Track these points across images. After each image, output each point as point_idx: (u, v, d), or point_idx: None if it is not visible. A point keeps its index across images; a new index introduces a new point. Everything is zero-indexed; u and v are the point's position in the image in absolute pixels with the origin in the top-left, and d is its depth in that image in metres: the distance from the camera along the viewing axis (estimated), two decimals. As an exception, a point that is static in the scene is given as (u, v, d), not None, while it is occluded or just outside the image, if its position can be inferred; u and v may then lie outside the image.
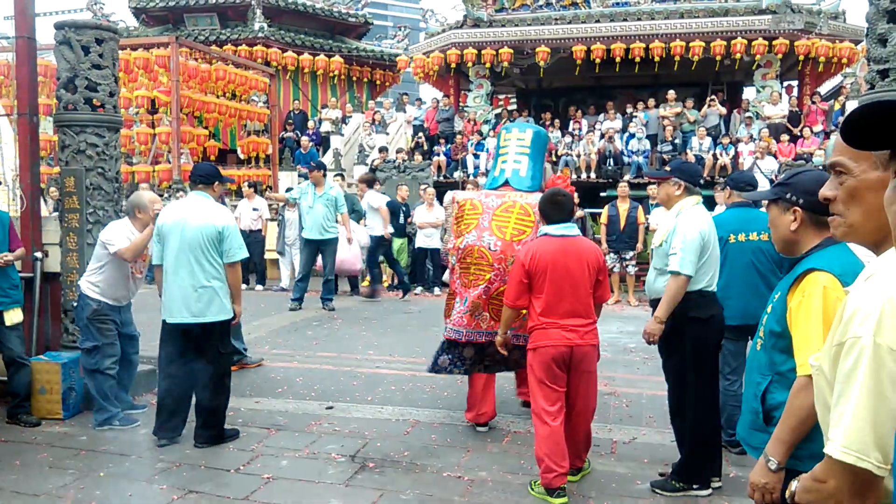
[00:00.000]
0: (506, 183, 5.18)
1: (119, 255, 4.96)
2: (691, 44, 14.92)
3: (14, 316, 5.05)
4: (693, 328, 3.89)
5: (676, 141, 14.80)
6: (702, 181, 4.15)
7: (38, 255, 5.53)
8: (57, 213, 5.87)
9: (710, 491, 3.95)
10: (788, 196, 2.23)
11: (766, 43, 14.62)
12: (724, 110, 15.34)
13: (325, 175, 9.65)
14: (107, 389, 5.02)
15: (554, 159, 15.40)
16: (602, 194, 13.92)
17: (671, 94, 15.45)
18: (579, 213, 10.30)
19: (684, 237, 3.85)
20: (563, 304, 3.93)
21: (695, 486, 3.94)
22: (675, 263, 3.85)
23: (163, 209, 5.04)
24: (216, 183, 4.91)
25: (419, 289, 11.64)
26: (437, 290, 11.50)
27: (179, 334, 4.70)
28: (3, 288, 5.00)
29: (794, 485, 1.62)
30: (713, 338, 3.96)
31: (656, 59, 15.20)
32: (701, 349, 3.92)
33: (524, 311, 4.23)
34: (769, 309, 2.29)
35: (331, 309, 9.44)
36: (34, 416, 5.07)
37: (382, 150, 15.28)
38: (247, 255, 5.00)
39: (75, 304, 5.14)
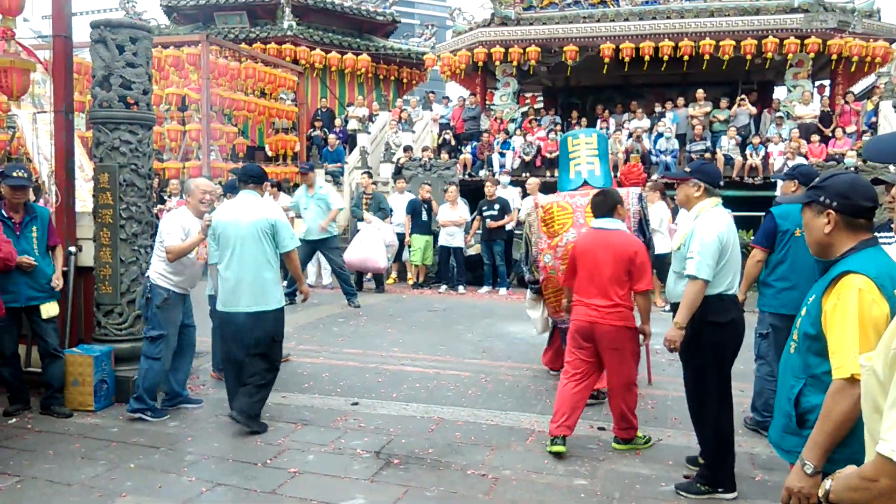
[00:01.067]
0: (584, 183, 5.94)
1: (166, 250, 5.09)
2: (721, 42, 14.74)
3: (50, 309, 5.17)
4: (712, 333, 3.88)
5: (706, 141, 14.66)
6: (722, 182, 4.08)
7: (73, 249, 5.63)
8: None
9: (735, 494, 3.92)
10: (822, 199, 2.21)
11: (798, 42, 14.40)
12: (754, 110, 15.14)
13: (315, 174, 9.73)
14: (156, 381, 5.17)
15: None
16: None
17: (700, 93, 15.29)
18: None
19: (702, 240, 3.83)
20: (591, 287, 4.53)
21: (720, 490, 3.92)
22: (692, 268, 3.84)
23: (217, 209, 5.30)
24: (265, 183, 5.27)
25: (444, 287, 11.65)
26: (461, 288, 11.52)
27: (234, 323, 4.92)
28: (40, 282, 5.12)
29: (827, 483, 1.62)
30: (732, 342, 3.94)
31: (685, 57, 15.05)
32: (720, 354, 3.92)
33: None
34: (803, 312, 2.28)
35: (356, 306, 9.50)
36: (67, 408, 5.17)
37: (407, 148, 15.30)
38: (298, 243, 5.25)
39: (146, 294, 5.17)
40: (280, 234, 4.98)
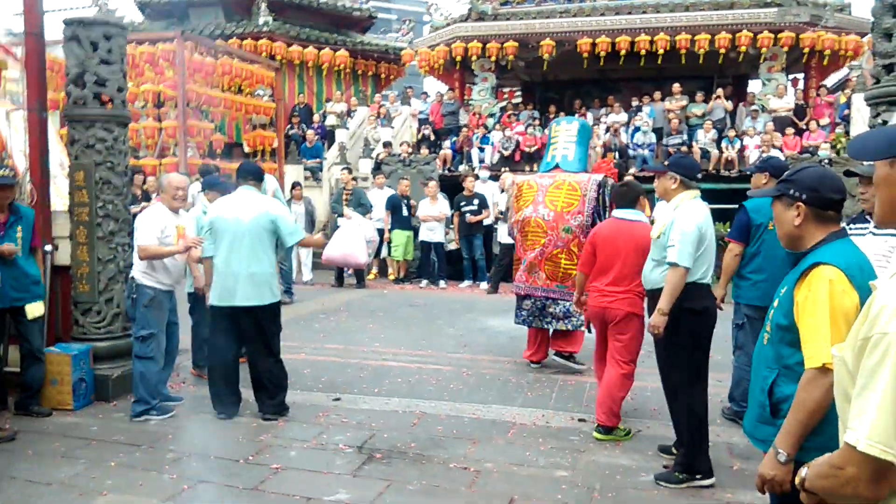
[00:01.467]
0: (556, 167, 6.47)
1: (139, 249, 5.06)
2: (696, 37, 14.88)
3: (35, 309, 5.09)
4: (689, 319, 4.00)
5: (683, 135, 14.79)
6: (700, 175, 4.28)
7: (49, 248, 5.56)
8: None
9: (712, 480, 4.00)
10: (792, 192, 2.26)
11: (772, 36, 14.57)
12: (729, 105, 15.28)
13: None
14: (154, 380, 5.14)
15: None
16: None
17: (676, 87, 15.41)
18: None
19: (683, 230, 3.98)
20: (607, 274, 4.74)
21: (698, 476, 3.99)
22: (673, 255, 3.98)
23: (214, 204, 5.37)
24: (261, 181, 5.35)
25: (424, 282, 11.67)
26: (442, 283, 11.54)
27: (230, 318, 4.99)
28: (25, 283, 5.03)
29: (803, 471, 1.67)
30: (707, 328, 4.06)
31: (661, 52, 15.17)
32: (697, 340, 4.04)
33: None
34: (776, 303, 2.32)
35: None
36: (45, 407, 5.12)
37: (387, 144, 15.28)
38: (302, 235, 5.30)
39: (131, 294, 5.13)
40: (282, 228, 5.05)
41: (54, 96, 10.04)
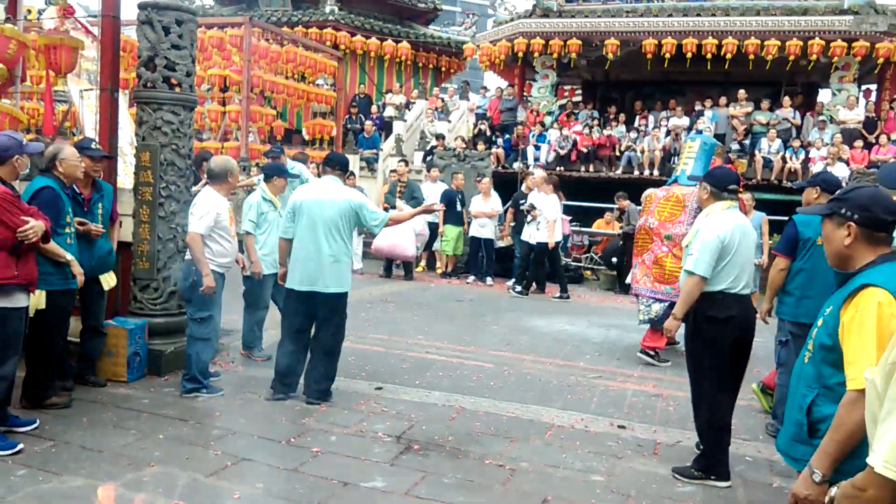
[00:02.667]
0: (675, 181, 7.09)
1: (188, 236, 5.21)
2: (766, 42, 14.50)
3: (110, 279, 5.33)
4: (709, 327, 4.10)
5: (745, 141, 14.48)
6: (731, 187, 4.30)
7: (95, 227, 5.72)
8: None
9: (728, 483, 4.11)
10: (843, 211, 2.24)
11: (846, 45, 14.11)
12: (797, 121, 14.83)
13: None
14: (207, 360, 5.36)
15: (617, 154, 15.26)
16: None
17: (742, 93, 15.08)
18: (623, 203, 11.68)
19: (703, 240, 4.11)
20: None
21: (712, 477, 4.13)
22: (689, 263, 4.13)
23: (298, 189, 5.57)
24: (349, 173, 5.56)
25: (471, 278, 11.71)
26: (489, 280, 11.58)
27: (304, 301, 5.15)
28: (101, 255, 5.18)
29: (832, 491, 1.68)
30: (729, 337, 4.09)
31: (728, 56, 14.84)
32: (719, 347, 4.10)
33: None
34: (820, 322, 2.30)
35: None
36: (101, 378, 5.35)
37: (440, 137, 15.31)
38: (386, 218, 5.39)
39: (190, 278, 5.19)
40: (366, 215, 5.21)
41: (125, 76, 10.41)
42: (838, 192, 2.33)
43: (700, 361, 4.22)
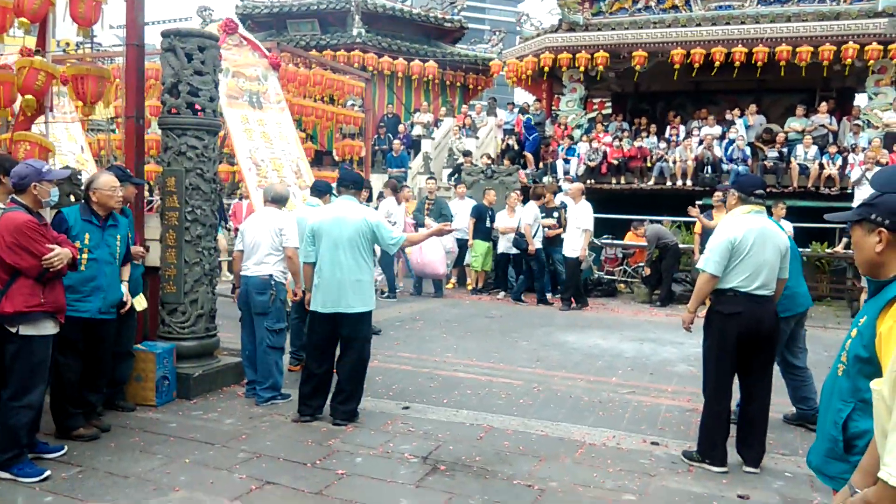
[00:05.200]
0: None
1: (289, 251, 5.70)
2: (798, 48, 14.23)
3: (142, 301, 5.43)
4: (717, 320, 4.49)
5: (783, 149, 14.18)
6: (757, 192, 4.55)
7: (140, 249, 5.84)
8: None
9: (723, 469, 4.41)
10: (873, 217, 2.13)
11: (881, 48, 13.77)
12: (833, 126, 14.50)
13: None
14: (283, 367, 5.81)
15: (648, 165, 15.07)
16: (698, 202, 13.46)
17: (774, 100, 14.81)
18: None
19: (715, 240, 4.43)
20: None
21: (706, 461, 4.47)
22: (700, 261, 4.56)
23: (315, 211, 5.89)
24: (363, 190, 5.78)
25: (502, 294, 11.62)
26: (549, 295, 11.46)
27: (330, 323, 5.18)
28: (134, 278, 5.24)
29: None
30: (733, 332, 4.39)
31: (760, 63, 14.60)
32: (721, 339, 4.45)
33: None
34: (854, 333, 2.19)
35: None
36: (130, 402, 5.38)
37: (467, 153, 15.26)
38: (403, 238, 5.44)
39: (268, 292, 5.67)
40: (383, 234, 5.23)
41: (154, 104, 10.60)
42: (867, 197, 2.22)
43: (709, 350, 4.57)
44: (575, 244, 10.35)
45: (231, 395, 5.83)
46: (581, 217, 10.36)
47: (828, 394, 2.28)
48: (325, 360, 5.26)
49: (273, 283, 5.69)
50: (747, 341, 4.41)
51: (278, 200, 5.92)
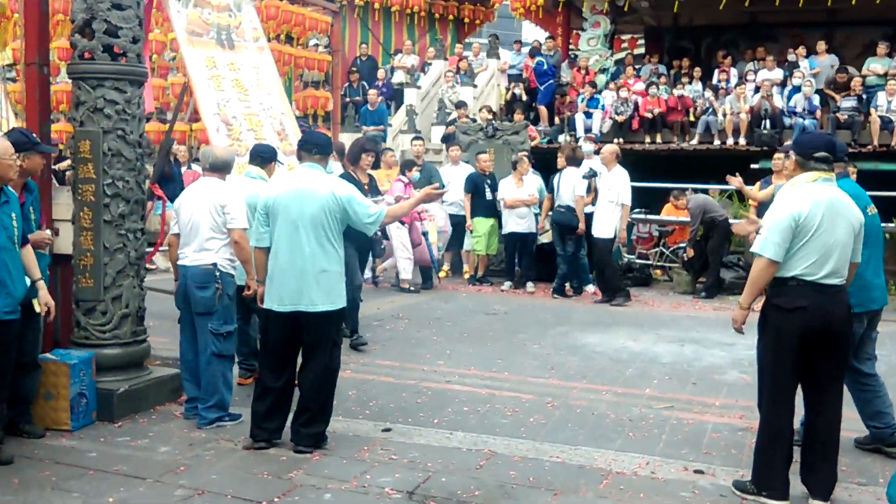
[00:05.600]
0: None
1: (235, 234, 5.57)
2: (879, -30, 14.26)
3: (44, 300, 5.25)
4: (774, 316, 4.43)
5: (863, 96, 14.19)
6: (818, 155, 4.40)
7: (47, 234, 5.79)
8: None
9: (786, 502, 4.37)
10: None
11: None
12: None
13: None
14: (232, 380, 5.75)
15: (691, 119, 15.08)
16: (753, 166, 13.50)
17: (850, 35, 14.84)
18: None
19: (774, 217, 4.35)
20: None
21: (763, 493, 4.41)
22: (756, 244, 4.41)
23: (267, 184, 5.79)
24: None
25: (507, 284, 11.64)
26: (529, 285, 11.50)
27: (289, 324, 5.14)
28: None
29: None
30: (796, 330, 4.33)
31: (831, -10, 14.63)
32: (781, 340, 4.38)
33: None
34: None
35: None
36: (38, 427, 5.37)
37: (461, 105, 15.17)
38: (382, 217, 5.29)
39: (212, 286, 5.56)
40: (356, 211, 5.11)
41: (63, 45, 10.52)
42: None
43: (764, 355, 4.52)
44: (607, 222, 10.33)
45: (166, 415, 5.83)
46: (616, 187, 10.31)
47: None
48: (284, 371, 5.24)
49: (218, 274, 5.59)
50: (813, 342, 4.35)
51: (220, 168, 5.79)
